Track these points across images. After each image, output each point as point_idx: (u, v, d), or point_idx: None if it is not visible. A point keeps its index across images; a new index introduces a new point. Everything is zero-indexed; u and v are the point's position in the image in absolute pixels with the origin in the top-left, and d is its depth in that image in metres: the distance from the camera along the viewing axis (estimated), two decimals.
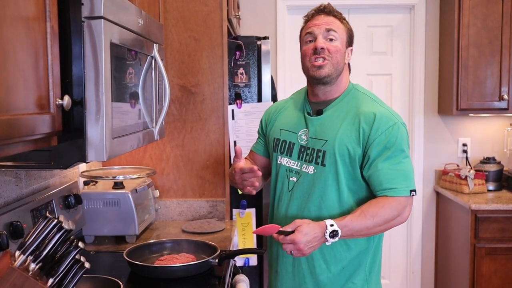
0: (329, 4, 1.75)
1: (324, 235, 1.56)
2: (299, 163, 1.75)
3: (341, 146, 1.66)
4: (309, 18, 1.75)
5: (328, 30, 1.69)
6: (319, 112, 1.75)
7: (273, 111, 1.93)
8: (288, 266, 1.78)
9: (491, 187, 3.47)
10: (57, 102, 1.16)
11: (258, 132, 1.99)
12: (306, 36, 1.72)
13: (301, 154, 1.75)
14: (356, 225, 1.58)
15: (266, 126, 1.93)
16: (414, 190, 1.65)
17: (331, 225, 1.56)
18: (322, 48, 1.67)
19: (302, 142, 1.76)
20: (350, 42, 1.75)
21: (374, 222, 1.59)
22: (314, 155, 1.71)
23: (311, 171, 1.71)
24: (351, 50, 1.76)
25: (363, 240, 1.70)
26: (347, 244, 1.69)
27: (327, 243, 1.58)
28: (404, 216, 1.65)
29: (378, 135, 1.64)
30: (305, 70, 1.74)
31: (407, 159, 1.67)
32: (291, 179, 1.77)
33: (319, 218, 1.67)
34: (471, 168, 3.52)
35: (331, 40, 1.69)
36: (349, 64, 1.80)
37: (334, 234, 1.56)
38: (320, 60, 1.67)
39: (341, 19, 1.73)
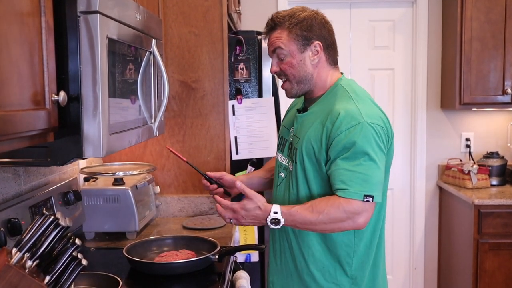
0: (273, 15, 1.68)
1: (266, 218, 1.56)
2: (287, 159, 1.76)
3: (307, 145, 1.63)
4: (264, 39, 1.76)
5: (274, 50, 1.67)
6: (304, 110, 1.74)
7: (289, 108, 1.96)
8: (277, 259, 1.79)
9: (494, 182, 3.45)
10: (52, 98, 1.14)
11: None
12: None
13: (289, 151, 1.76)
14: (301, 217, 1.55)
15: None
16: (372, 196, 1.51)
17: (275, 213, 1.55)
18: (275, 72, 1.69)
19: (290, 139, 1.76)
20: (307, 41, 1.63)
21: (319, 219, 1.53)
22: (292, 152, 1.71)
23: (291, 168, 1.72)
24: (316, 44, 1.64)
25: (345, 241, 1.64)
26: (326, 244, 1.65)
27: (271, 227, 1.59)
28: (358, 222, 1.53)
29: (337, 134, 1.55)
30: None
31: (369, 163, 1.53)
32: (280, 174, 1.78)
33: None
34: (474, 163, 3.50)
35: (281, 58, 1.66)
36: (332, 54, 1.69)
37: (275, 221, 1.55)
38: (283, 82, 1.71)
39: (288, 26, 1.62)
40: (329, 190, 1.61)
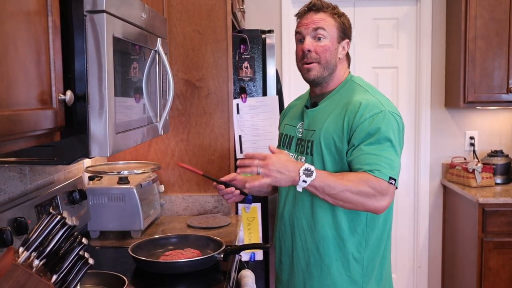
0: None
1: (298, 170, 1.53)
2: (296, 155, 1.78)
3: (326, 136, 1.66)
4: (299, 17, 1.75)
5: (316, 29, 1.68)
6: (314, 105, 1.78)
7: (287, 109, 2.00)
8: (289, 257, 1.80)
9: (498, 181, 3.44)
10: (59, 97, 1.14)
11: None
12: (296, 36, 1.75)
13: (297, 147, 1.79)
14: (331, 180, 1.54)
15: (280, 124, 1.99)
16: (395, 180, 1.57)
17: (309, 166, 1.54)
18: (309, 50, 1.68)
19: (299, 135, 1.79)
20: (344, 35, 1.73)
21: (347, 187, 1.53)
22: (305, 145, 1.74)
23: (302, 162, 1.72)
24: (348, 42, 1.75)
25: (358, 232, 1.68)
26: (341, 236, 1.68)
27: (297, 186, 1.55)
28: (380, 204, 1.56)
29: (361, 122, 1.61)
30: (299, 70, 1.77)
31: (392, 149, 1.60)
32: None
33: (312, 208, 1.70)
34: (479, 161, 3.49)
35: (319, 39, 1.68)
36: (348, 55, 1.79)
37: (309, 173, 1.53)
38: (308, 63, 1.69)
39: (332, 14, 1.71)
40: None
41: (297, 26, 1.74)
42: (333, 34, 1.70)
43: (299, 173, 1.53)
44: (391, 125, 1.61)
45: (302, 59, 1.71)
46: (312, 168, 1.55)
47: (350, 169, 1.63)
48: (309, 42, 1.69)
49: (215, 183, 1.78)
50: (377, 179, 1.55)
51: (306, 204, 1.71)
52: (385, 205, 1.58)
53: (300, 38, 1.73)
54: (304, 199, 1.71)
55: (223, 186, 1.76)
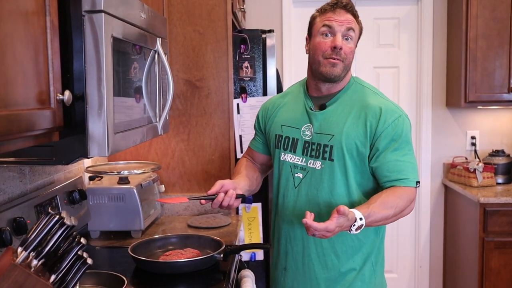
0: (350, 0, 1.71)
1: (351, 226, 1.50)
2: (304, 159, 1.73)
3: (348, 141, 1.66)
4: (328, 10, 1.67)
5: (348, 29, 1.66)
6: (322, 107, 1.73)
7: (270, 107, 1.89)
8: (298, 262, 1.76)
9: (500, 180, 3.44)
10: (57, 97, 1.14)
11: (255, 128, 1.95)
12: (323, 28, 1.66)
13: (305, 150, 1.73)
14: (378, 216, 1.56)
15: (264, 122, 1.89)
16: (419, 182, 1.67)
17: (360, 219, 1.50)
18: (340, 48, 1.64)
19: (306, 138, 1.74)
20: (358, 39, 1.75)
21: (393, 213, 1.59)
22: (321, 150, 1.70)
23: (318, 167, 1.70)
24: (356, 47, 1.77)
25: (372, 233, 1.72)
26: (358, 238, 1.70)
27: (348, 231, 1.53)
28: (411, 209, 1.67)
29: (385, 127, 1.64)
30: (316, 63, 1.68)
31: (412, 151, 1.69)
32: (296, 175, 1.74)
33: (329, 211, 1.63)
34: (480, 161, 3.49)
35: (347, 39, 1.67)
36: None
37: (359, 227, 1.51)
38: (336, 60, 1.65)
39: (357, 17, 1.71)
40: (365, 182, 1.69)
41: (327, 19, 1.65)
42: (356, 37, 1.71)
43: (352, 231, 1.51)
44: (408, 128, 1.70)
45: (330, 54, 1.64)
46: (363, 221, 1.50)
47: (374, 174, 1.67)
48: (340, 40, 1.64)
49: (204, 201, 1.67)
50: (409, 190, 1.63)
51: (321, 206, 1.69)
52: (413, 208, 1.67)
53: (327, 32, 1.65)
54: (320, 202, 1.70)
55: (219, 198, 1.64)
